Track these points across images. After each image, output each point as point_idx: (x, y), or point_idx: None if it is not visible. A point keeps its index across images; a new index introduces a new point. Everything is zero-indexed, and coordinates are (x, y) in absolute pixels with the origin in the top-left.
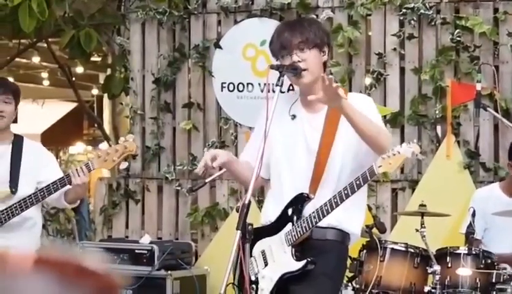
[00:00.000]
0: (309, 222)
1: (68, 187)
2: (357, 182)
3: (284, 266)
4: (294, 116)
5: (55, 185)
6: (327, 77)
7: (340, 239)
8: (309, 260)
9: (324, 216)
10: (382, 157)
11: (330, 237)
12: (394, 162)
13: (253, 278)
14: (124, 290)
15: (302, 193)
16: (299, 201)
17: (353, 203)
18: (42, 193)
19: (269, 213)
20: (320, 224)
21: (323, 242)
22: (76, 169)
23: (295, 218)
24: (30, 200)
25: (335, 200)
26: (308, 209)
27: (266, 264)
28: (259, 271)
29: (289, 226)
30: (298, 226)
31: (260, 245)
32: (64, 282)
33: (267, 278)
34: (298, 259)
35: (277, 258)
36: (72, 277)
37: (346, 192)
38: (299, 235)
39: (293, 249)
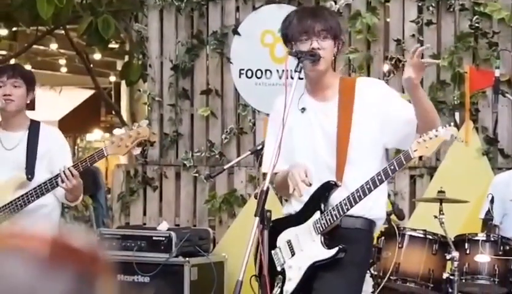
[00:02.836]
0: (340, 210)
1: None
2: (392, 167)
3: (314, 254)
4: (304, 109)
5: (52, 181)
6: (418, 48)
7: (368, 228)
8: (341, 247)
9: (356, 203)
10: (417, 141)
11: (359, 226)
12: (431, 145)
13: (279, 269)
14: (113, 273)
15: (329, 181)
16: (326, 189)
17: (378, 188)
18: (57, 181)
19: (292, 204)
20: (349, 212)
21: (352, 231)
22: (64, 172)
23: (323, 206)
24: (46, 187)
25: (368, 186)
26: (335, 197)
27: (293, 254)
28: (286, 261)
29: (317, 214)
30: (328, 215)
31: (285, 235)
32: (46, 261)
33: (295, 268)
34: (329, 247)
35: (305, 247)
36: (55, 256)
37: (380, 177)
38: (329, 223)
39: (322, 237)
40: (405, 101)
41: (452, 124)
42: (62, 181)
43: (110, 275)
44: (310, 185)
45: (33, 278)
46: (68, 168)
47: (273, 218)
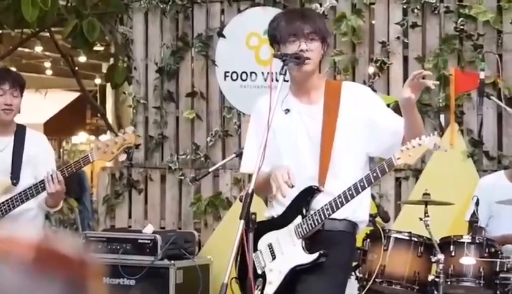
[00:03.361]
0: (321, 215)
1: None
2: (374, 174)
3: (294, 258)
4: (288, 110)
5: (38, 186)
6: (422, 72)
7: (351, 230)
8: (322, 252)
9: (338, 208)
10: (401, 149)
11: (342, 228)
12: (414, 153)
13: (259, 272)
14: (101, 277)
15: (311, 186)
16: (308, 194)
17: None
18: (42, 186)
19: (274, 207)
20: (332, 216)
21: (335, 234)
22: (51, 175)
23: (305, 211)
24: (31, 192)
25: (350, 192)
26: (317, 202)
27: (273, 258)
28: (267, 264)
29: (299, 219)
30: (309, 219)
31: (266, 238)
32: (34, 266)
33: (276, 271)
34: (310, 251)
35: (286, 251)
36: (43, 261)
37: (362, 184)
38: (310, 228)
39: (303, 242)
40: (391, 110)
41: (436, 132)
42: (48, 185)
43: (99, 279)
44: (293, 186)
45: (22, 284)
46: (53, 173)
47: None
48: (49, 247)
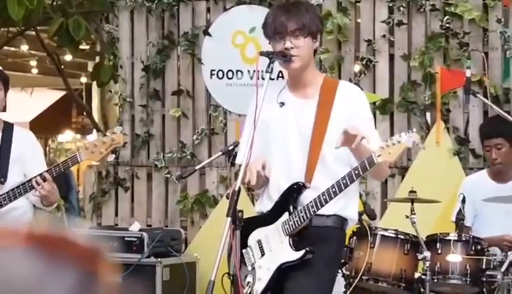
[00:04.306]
0: (307, 212)
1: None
2: (356, 172)
3: (282, 255)
4: (282, 104)
5: (26, 186)
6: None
7: (339, 225)
8: (308, 249)
9: (322, 206)
10: (381, 147)
11: (330, 223)
12: (394, 151)
13: (249, 268)
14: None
15: (297, 182)
16: (294, 190)
17: (350, 188)
18: (30, 185)
19: (264, 202)
20: (320, 212)
21: (322, 229)
22: (36, 180)
23: (291, 207)
24: (19, 191)
25: (334, 190)
26: (305, 197)
27: (262, 254)
28: (256, 260)
29: (285, 216)
30: (295, 216)
31: (256, 234)
32: (47, 254)
33: (265, 268)
34: (296, 248)
35: (274, 247)
36: (55, 248)
37: (344, 181)
38: (296, 225)
39: (291, 239)
40: (373, 128)
41: (414, 130)
42: (38, 189)
43: (110, 270)
44: (267, 178)
45: (33, 276)
46: (41, 174)
47: (245, 216)
48: (61, 236)
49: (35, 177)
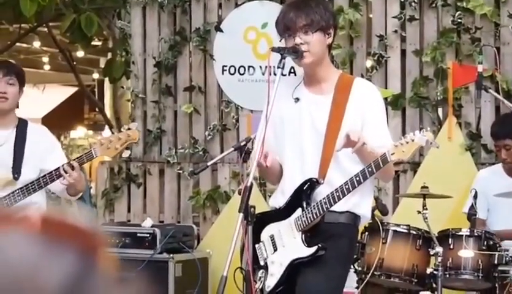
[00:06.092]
0: (320, 208)
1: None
2: (370, 169)
3: (294, 251)
4: (297, 99)
5: (53, 175)
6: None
7: (352, 222)
8: (320, 246)
9: (335, 202)
10: (395, 145)
11: (343, 220)
12: (407, 149)
13: (262, 263)
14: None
15: (311, 178)
16: (308, 186)
17: (364, 186)
18: (45, 180)
19: (277, 197)
20: (332, 208)
21: (335, 225)
22: (64, 168)
23: (305, 203)
24: (33, 186)
25: (347, 187)
26: (318, 193)
27: (275, 250)
28: (269, 256)
29: (299, 211)
30: (308, 212)
31: (269, 229)
32: (47, 239)
33: (277, 264)
34: (309, 245)
35: (287, 243)
36: (56, 234)
37: (358, 178)
38: (309, 221)
39: (303, 235)
40: (385, 127)
41: (428, 128)
42: (65, 177)
43: (108, 249)
44: (267, 167)
45: (33, 257)
46: (69, 163)
47: (258, 212)
48: (59, 219)
49: (63, 165)
